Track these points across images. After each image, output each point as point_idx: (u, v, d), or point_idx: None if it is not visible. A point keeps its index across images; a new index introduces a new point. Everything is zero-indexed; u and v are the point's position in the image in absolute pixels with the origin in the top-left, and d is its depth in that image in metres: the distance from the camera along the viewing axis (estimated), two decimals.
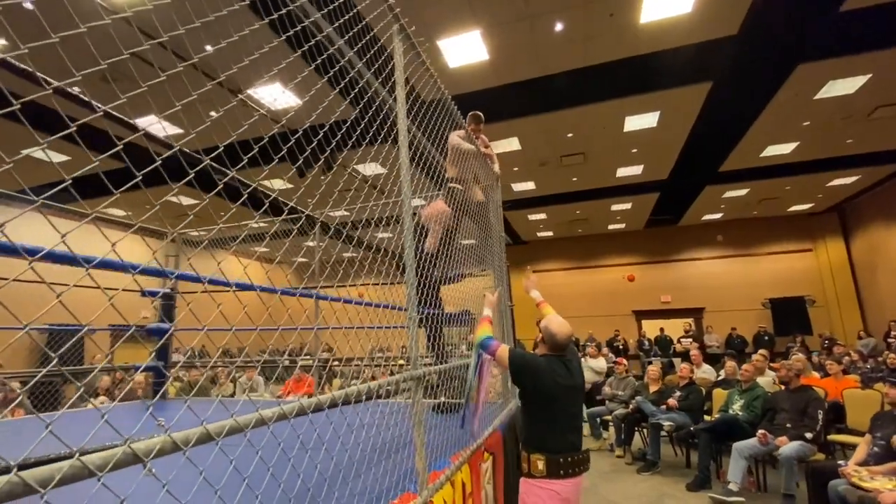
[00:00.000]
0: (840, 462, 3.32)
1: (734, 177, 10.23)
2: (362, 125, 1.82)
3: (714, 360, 10.10)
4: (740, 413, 4.66)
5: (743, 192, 11.30)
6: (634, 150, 8.73)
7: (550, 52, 5.70)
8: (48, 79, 1.14)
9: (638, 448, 5.59)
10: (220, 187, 1.02)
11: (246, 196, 1.12)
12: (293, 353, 9.41)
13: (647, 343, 13.12)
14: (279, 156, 1.17)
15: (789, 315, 12.93)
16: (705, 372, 6.76)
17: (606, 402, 6.20)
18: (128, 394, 6.70)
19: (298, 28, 1.39)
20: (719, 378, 6.16)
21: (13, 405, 5.41)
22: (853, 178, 10.60)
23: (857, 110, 7.26)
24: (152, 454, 0.74)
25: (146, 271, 1.10)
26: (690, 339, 11.92)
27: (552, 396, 2.13)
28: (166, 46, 0.94)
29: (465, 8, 4.87)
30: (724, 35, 5.46)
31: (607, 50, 5.71)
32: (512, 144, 8.19)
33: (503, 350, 2.25)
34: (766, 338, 12.11)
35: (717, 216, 13.78)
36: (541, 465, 2.09)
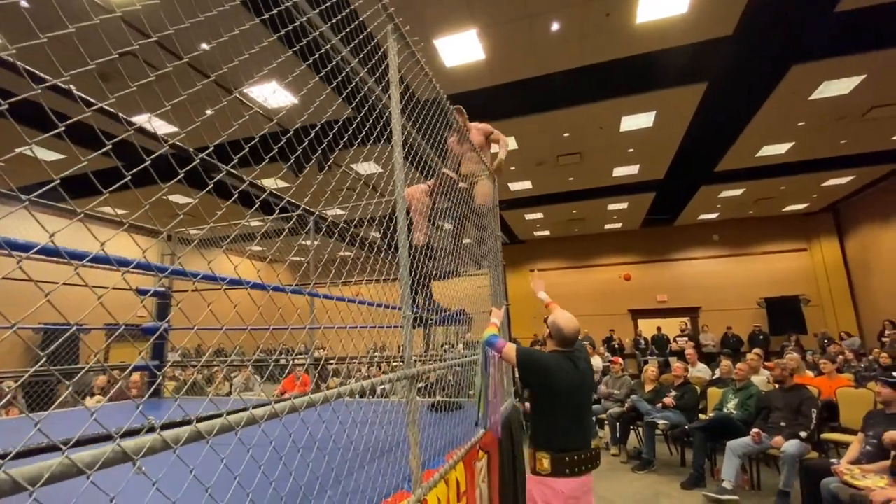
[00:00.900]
0: (832, 460, 3.35)
1: (730, 177, 10.27)
2: (355, 123, 1.82)
3: (710, 359, 10.16)
4: (734, 412, 4.68)
5: (738, 191, 11.35)
6: (631, 150, 8.75)
7: (547, 51, 5.71)
8: (40, 74, 1.13)
9: (633, 447, 5.62)
10: (210, 186, 1.01)
11: (237, 194, 1.12)
12: (288, 352, 9.40)
13: (643, 342, 13.18)
14: (269, 155, 1.17)
15: (784, 314, 13.00)
16: (700, 371, 6.80)
17: (602, 400, 6.22)
18: (122, 393, 6.69)
19: (290, 28, 1.38)
20: (714, 377, 6.19)
21: (3, 401, 5.39)
22: (848, 179, 10.66)
23: (851, 111, 7.30)
24: (142, 452, 0.74)
25: (137, 266, 1.10)
26: (686, 339, 11.98)
27: (559, 394, 2.12)
28: (165, 46, 0.94)
29: (463, 7, 4.87)
30: (720, 36, 5.49)
31: (604, 50, 5.73)
32: (509, 144, 8.18)
33: (510, 348, 2.25)
34: (762, 337, 12.19)
35: (713, 216, 13.83)
36: (546, 462, 2.08)
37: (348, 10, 1.88)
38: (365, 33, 1.98)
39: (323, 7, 1.75)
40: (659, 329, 13.14)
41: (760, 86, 6.61)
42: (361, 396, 4.33)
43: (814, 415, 4.06)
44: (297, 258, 10.22)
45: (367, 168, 7.65)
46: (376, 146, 1.95)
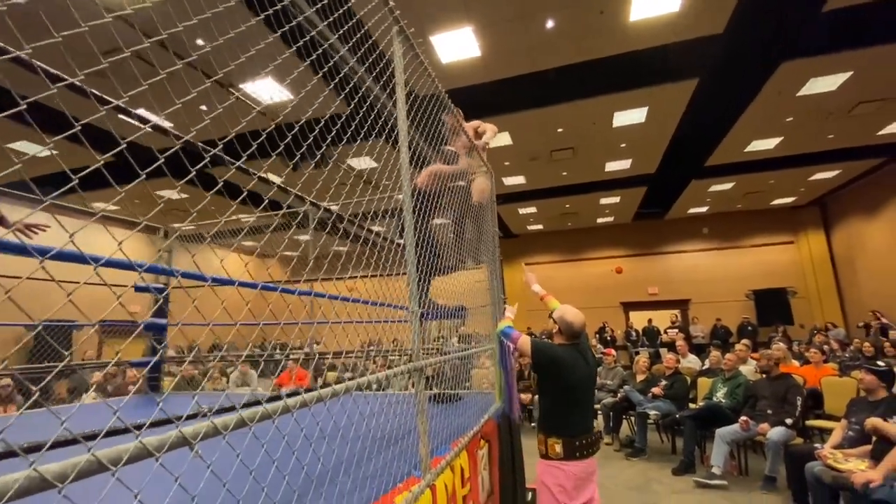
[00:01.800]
0: (816, 445, 3.50)
1: (720, 171, 10.45)
2: (356, 121, 1.87)
3: (700, 349, 10.38)
4: (723, 400, 4.83)
5: (728, 185, 11.54)
6: (623, 145, 8.87)
7: (541, 48, 5.77)
8: (53, 70, 1.17)
9: (626, 435, 5.77)
10: (219, 186, 1.05)
11: (245, 192, 1.16)
12: (283, 347, 9.44)
13: (634, 334, 13.39)
14: (277, 151, 1.20)
15: (772, 306, 13.28)
16: (690, 361, 6.96)
17: (596, 391, 6.36)
18: (120, 389, 6.70)
19: (284, 26, 1.43)
20: (704, 367, 6.35)
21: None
22: (834, 173, 10.89)
23: (838, 107, 7.46)
24: (164, 448, 0.74)
25: (115, 264, 1.10)
26: (677, 330, 12.20)
27: (571, 384, 2.26)
28: (167, 46, 0.99)
29: (460, 5, 4.91)
30: (710, 34, 5.59)
31: (597, 47, 5.80)
32: (503, 139, 8.26)
33: (525, 339, 2.36)
34: (750, 328, 12.44)
35: (703, 209, 14.04)
36: (558, 447, 2.21)
37: (348, 4, 1.93)
38: (363, 31, 2.04)
39: (321, 3, 1.80)
40: (650, 321, 13.36)
41: (750, 82, 6.74)
42: (368, 389, 4.39)
43: (799, 402, 4.21)
44: (290, 253, 10.23)
45: (362, 163, 7.67)
46: (376, 142, 2.01)
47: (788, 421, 4.13)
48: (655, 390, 5.39)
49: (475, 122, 3.78)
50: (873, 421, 3.01)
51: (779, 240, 14.11)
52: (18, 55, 0.78)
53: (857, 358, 6.72)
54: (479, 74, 6.31)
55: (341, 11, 1.87)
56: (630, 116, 7.62)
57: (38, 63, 1.01)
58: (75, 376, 7.44)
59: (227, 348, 9.70)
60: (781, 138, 8.76)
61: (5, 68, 0.97)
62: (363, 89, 2.05)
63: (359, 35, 1.96)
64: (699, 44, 5.76)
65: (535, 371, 2.43)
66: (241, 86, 5.97)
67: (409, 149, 2.10)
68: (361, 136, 1.94)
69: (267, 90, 6.02)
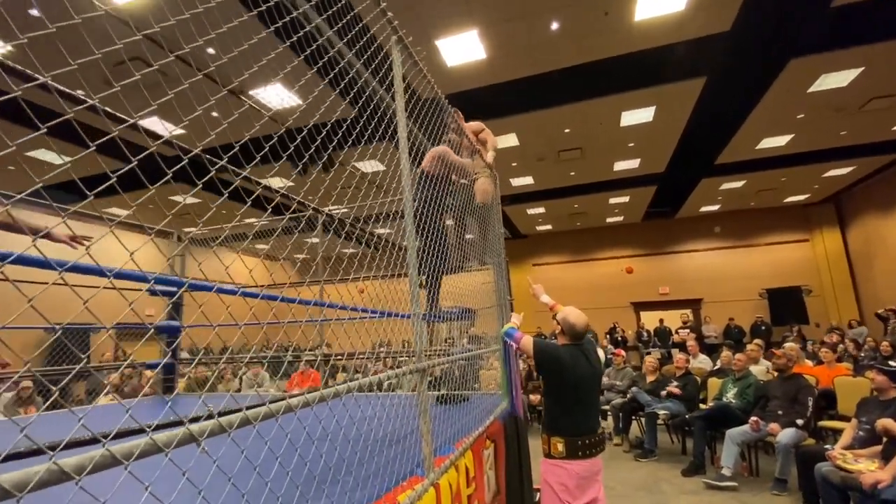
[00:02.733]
0: (826, 446, 3.47)
1: (730, 169, 10.34)
2: (360, 125, 1.93)
3: (712, 349, 10.26)
4: (734, 401, 4.80)
5: (739, 183, 11.41)
6: (631, 145, 8.83)
7: (546, 50, 5.79)
8: (61, 88, 1.24)
9: (635, 436, 5.74)
10: (228, 192, 1.11)
11: (232, 189, 1.21)
12: (297, 349, 9.55)
13: (645, 334, 13.28)
14: (287, 154, 1.26)
15: (786, 305, 13.08)
16: (701, 362, 6.91)
17: (605, 392, 6.35)
18: (136, 391, 6.85)
19: (292, 35, 1.48)
20: (715, 367, 6.30)
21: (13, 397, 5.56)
22: (848, 169, 10.71)
23: (849, 103, 7.35)
24: (173, 445, 0.79)
25: (126, 276, 1.20)
26: (688, 330, 12.08)
27: (573, 383, 2.28)
28: (184, 58, 1.03)
29: (463, 9, 4.95)
30: (717, 31, 5.55)
31: (603, 47, 5.80)
32: (510, 140, 8.28)
33: (527, 339, 2.39)
34: (763, 328, 12.27)
35: (715, 208, 13.89)
36: (560, 446, 2.24)
37: (348, 9, 1.98)
38: (368, 36, 2.09)
39: (330, 12, 1.86)
40: (661, 321, 13.24)
41: (759, 80, 6.67)
42: (370, 390, 4.45)
43: (810, 403, 4.17)
44: (299, 256, 10.36)
45: (370, 166, 7.76)
46: (380, 145, 2.06)
47: (799, 422, 4.09)
48: (671, 389, 5.35)
49: (476, 126, 3.78)
50: (884, 422, 2.98)
51: (793, 238, 13.90)
52: (45, 82, 0.84)
53: (874, 357, 6.60)
54: (486, 77, 6.34)
55: (347, 19, 1.93)
56: (637, 116, 7.59)
57: (57, 85, 1.07)
58: (93, 378, 7.61)
59: (241, 350, 9.86)
60: (793, 135, 8.65)
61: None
62: (367, 93, 2.11)
63: (363, 41, 2.02)
64: (706, 42, 5.72)
65: (537, 371, 2.46)
66: (250, 92, 6.08)
67: (410, 154, 2.14)
68: (365, 139, 2.00)
69: (275, 95, 6.12)
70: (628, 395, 5.77)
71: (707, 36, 5.62)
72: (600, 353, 7.78)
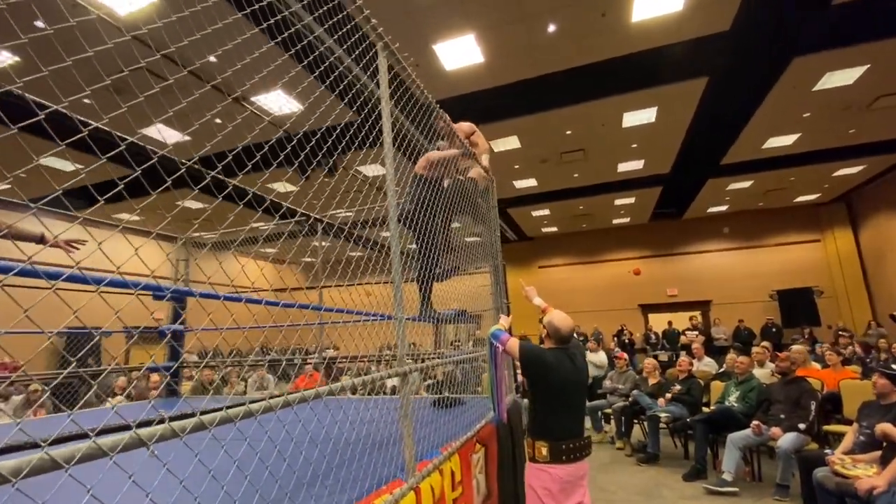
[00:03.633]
0: (826, 451, 3.41)
1: (737, 169, 10.22)
2: (352, 130, 1.96)
3: (723, 352, 10.10)
4: (736, 404, 4.73)
5: (747, 183, 11.27)
6: (634, 146, 8.77)
7: (544, 52, 5.79)
8: (75, 116, 1.28)
9: (638, 440, 5.69)
10: (238, 198, 1.15)
11: (223, 195, 1.25)
12: (301, 351, 9.62)
13: (653, 337, 13.14)
14: (298, 160, 1.30)
15: (797, 306, 12.87)
16: (707, 364, 6.82)
17: (607, 395, 6.30)
18: (143, 393, 6.95)
19: (296, 44, 1.52)
20: (721, 370, 6.22)
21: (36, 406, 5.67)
22: (858, 168, 10.53)
23: (856, 101, 7.24)
24: (154, 438, 0.87)
25: (147, 287, 1.24)
26: (696, 333, 11.94)
27: (558, 387, 2.28)
28: (199, 76, 1.07)
29: (458, 13, 4.97)
30: (717, 31, 5.51)
31: (601, 49, 5.78)
32: (511, 143, 8.28)
33: (513, 342, 2.39)
34: (774, 330, 12.07)
35: (723, 208, 13.73)
36: (544, 451, 2.23)
37: (345, 19, 2.02)
38: (364, 45, 2.13)
39: (328, 25, 1.90)
40: (670, 323, 13.09)
41: (762, 78, 6.60)
42: (353, 393, 4.48)
43: (813, 407, 4.10)
44: (307, 259, 10.45)
45: (372, 170, 7.80)
46: (381, 150, 2.09)
47: (802, 426, 4.02)
48: (661, 402, 5.28)
49: (467, 127, 3.77)
50: (883, 426, 2.92)
51: (804, 238, 13.68)
52: (57, 109, 0.90)
53: (883, 360, 6.47)
54: (485, 80, 6.34)
55: (347, 28, 1.97)
56: (639, 117, 7.54)
57: (72, 114, 1.14)
58: (102, 381, 7.74)
59: (248, 353, 9.96)
60: (800, 134, 8.53)
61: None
62: (362, 98, 2.15)
63: (361, 48, 2.06)
64: (706, 42, 5.68)
65: (523, 374, 2.45)
66: (252, 98, 6.16)
67: (405, 156, 2.16)
68: (368, 144, 2.03)
69: (276, 101, 6.19)
70: (630, 399, 5.72)
71: (706, 36, 5.58)
72: (601, 356, 7.76)
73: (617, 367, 6.56)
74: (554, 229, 15.40)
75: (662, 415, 5.13)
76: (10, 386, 6.10)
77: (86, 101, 0.95)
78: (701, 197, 12.26)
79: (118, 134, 1.38)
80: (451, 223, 3.47)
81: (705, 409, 5.38)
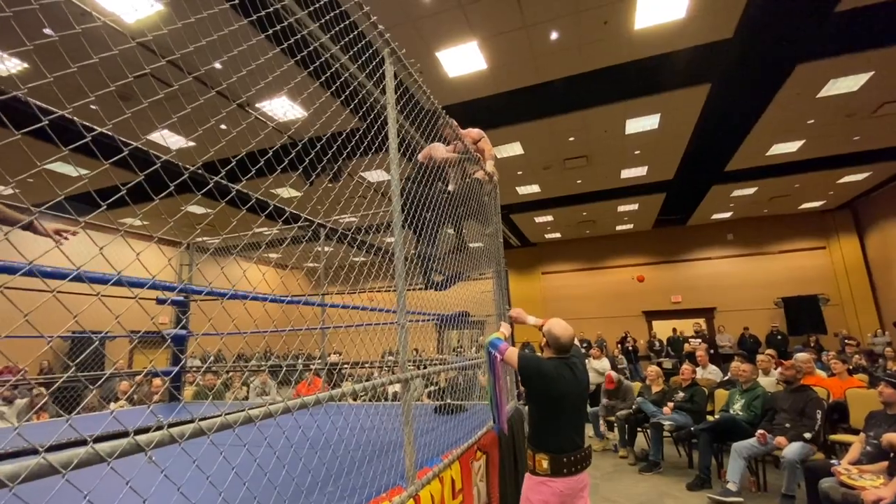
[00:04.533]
0: (832, 461, 3.36)
1: (741, 176, 10.19)
2: (357, 136, 1.97)
3: (727, 360, 10.03)
4: (740, 413, 4.69)
5: (751, 190, 11.23)
6: (637, 152, 8.77)
7: (547, 59, 5.81)
8: (81, 121, 1.30)
9: (641, 448, 5.64)
10: (204, 191, 1.16)
11: (226, 197, 1.25)
12: (303, 357, 9.61)
13: (657, 344, 13.06)
14: (261, 163, 1.30)
15: (803, 314, 12.75)
16: (711, 372, 6.76)
17: (587, 405, 6.17)
18: (146, 397, 6.96)
19: (301, 51, 1.54)
20: (725, 378, 6.16)
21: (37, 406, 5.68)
22: (864, 175, 10.47)
23: (861, 107, 7.22)
24: (152, 444, 0.88)
25: (154, 286, 1.25)
26: (700, 340, 11.85)
27: (557, 398, 2.23)
28: (186, 71, 1.09)
29: (462, 21, 5.01)
30: (720, 38, 5.51)
31: (603, 56, 5.80)
32: (514, 149, 8.29)
33: (512, 351, 2.35)
34: (780, 337, 11.98)
35: (727, 215, 13.67)
36: (545, 463, 2.19)
37: (350, 26, 2.04)
38: (370, 52, 2.14)
39: (333, 31, 1.92)
40: (674, 330, 13.00)
41: (766, 85, 6.59)
42: (354, 399, 4.48)
43: (819, 416, 4.05)
44: (311, 264, 10.47)
45: (375, 176, 7.83)
46: (386, 156, 2.10)
47: (807, 435, 3.97)
48: (665, 410, 5.23)
49: (475, 133, 3.80)
50: (890, 437, 2.89)
51: (809, 245, 13.59)
52: (62, 114, 0.92)
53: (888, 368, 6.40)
54: (488, 87, 6.37)
55: (353, 35, 1.98)
56: (642, 123, 7.55)
57: (78, 120, 1.16)
58: (106, 385, 7.75)
59: (252, 358, 9.96)
60: (804, 141, 8.50)
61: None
62: (368, 104, 2.16)
63: (367, 55, 2.08)
64: (709, 49, 5.69)
65: (522, 384, 2.42)
66: (257, 105, 6.21)
67: (400, 165, 2.16)
68: (373, 150, 2.04)
69: (280, 107, 6.23)
70: (633, 406, 5.68)
71: (710, 43, 5.59)
72: (605, 362, 7.71)
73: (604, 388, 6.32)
74: (557, 235, 15.38)
75: (666, 423, 5.08)
76: (14, 389, 6.13)
77: (92, 106, 0.96)
78: (705, 203, 12.22)
79: (121, 139, 1.40)
80: (462, 227, 3.47)
81: (710, 418, 5.33)
